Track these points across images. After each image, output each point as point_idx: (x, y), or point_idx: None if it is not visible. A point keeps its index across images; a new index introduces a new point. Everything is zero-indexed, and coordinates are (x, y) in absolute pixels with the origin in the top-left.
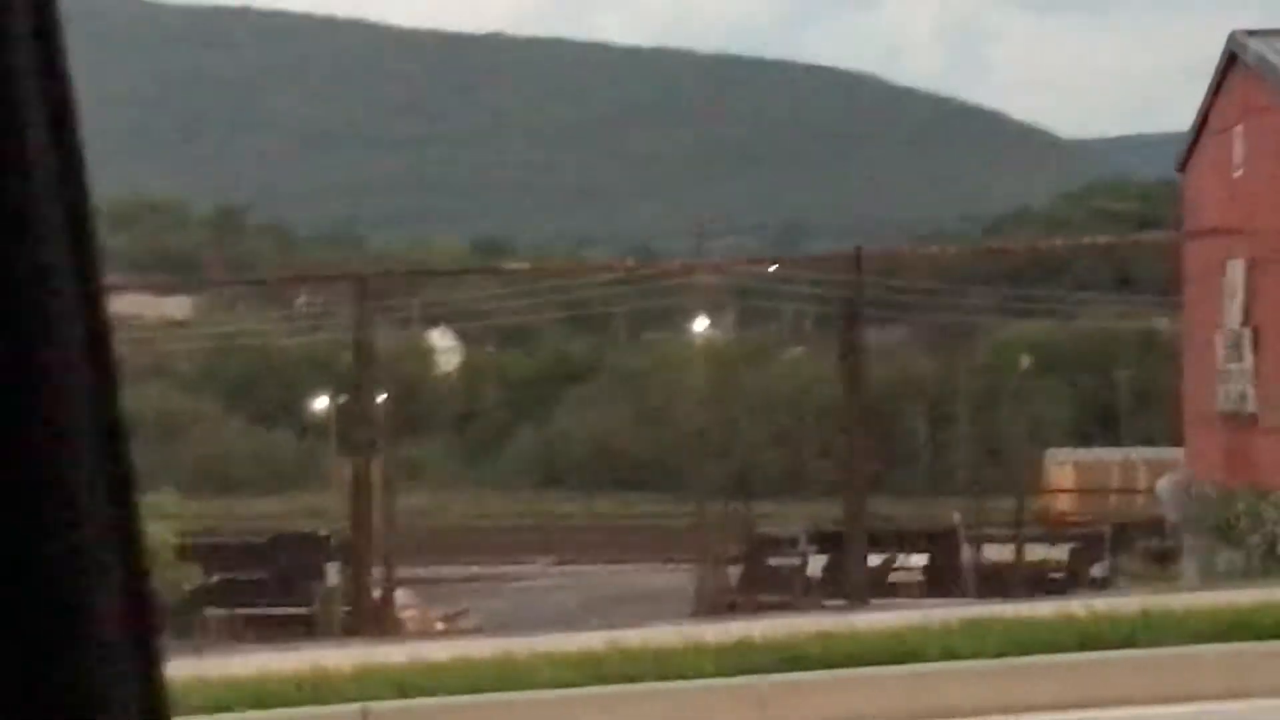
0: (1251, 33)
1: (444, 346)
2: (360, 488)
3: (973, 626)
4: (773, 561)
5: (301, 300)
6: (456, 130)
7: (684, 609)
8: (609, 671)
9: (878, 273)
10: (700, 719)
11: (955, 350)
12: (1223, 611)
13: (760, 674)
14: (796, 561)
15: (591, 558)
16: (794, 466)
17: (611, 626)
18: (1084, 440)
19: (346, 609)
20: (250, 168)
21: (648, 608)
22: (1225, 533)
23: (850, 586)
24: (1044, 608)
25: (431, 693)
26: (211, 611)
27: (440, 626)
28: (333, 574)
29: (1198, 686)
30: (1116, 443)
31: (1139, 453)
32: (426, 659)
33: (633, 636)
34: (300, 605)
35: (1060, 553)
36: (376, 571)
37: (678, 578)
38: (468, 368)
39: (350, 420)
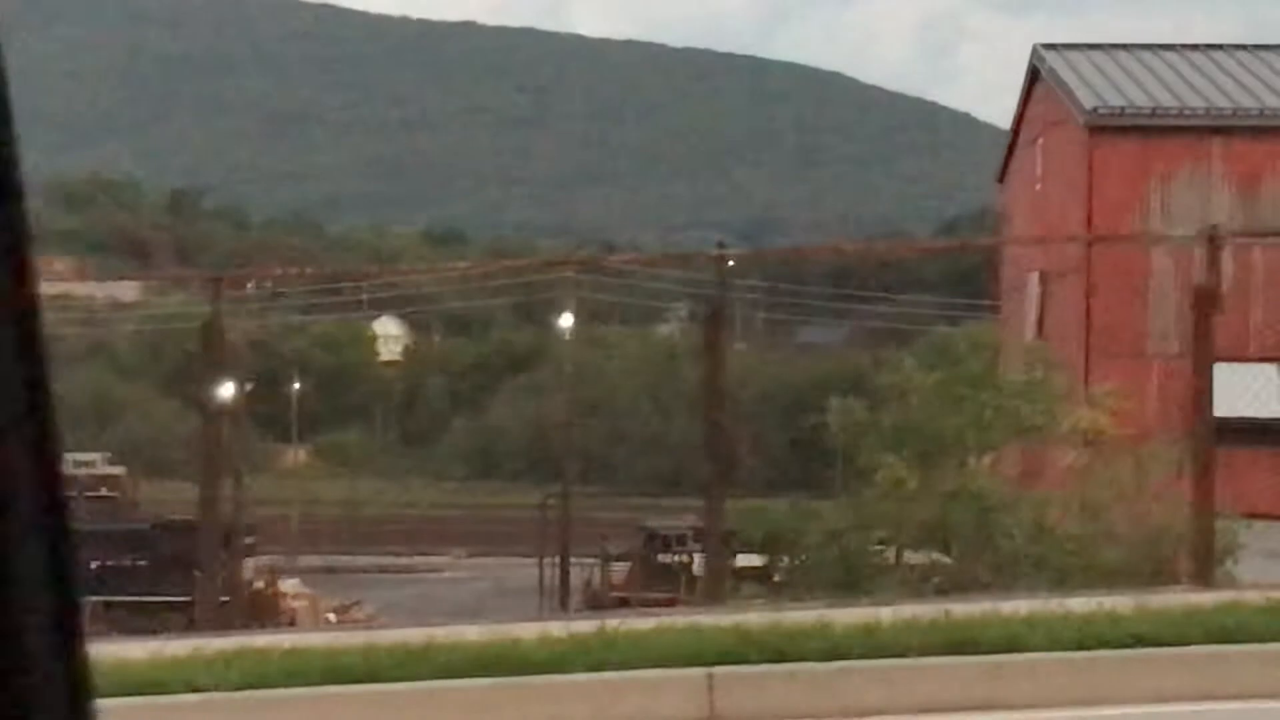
0: (1049, 46)
1: (390, 334)
2: (211, 468)
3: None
4: (662, 558)
5: (251, 285)
6: (423, 117)
7: (576, 604)
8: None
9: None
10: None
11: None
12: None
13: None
14: (684, 559)
15: (506, 550)
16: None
17: (496, 620)
18: None
19: (224, 599)
20: (213, 150)
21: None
22: None
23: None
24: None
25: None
26: (89, 599)
27: (331, 618)
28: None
29: None
30: None
31: None
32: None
33: (491, 631)
34: (180, 594)
35: None
36: (264, 560)
37: (585, 572)
38: (411, 355)
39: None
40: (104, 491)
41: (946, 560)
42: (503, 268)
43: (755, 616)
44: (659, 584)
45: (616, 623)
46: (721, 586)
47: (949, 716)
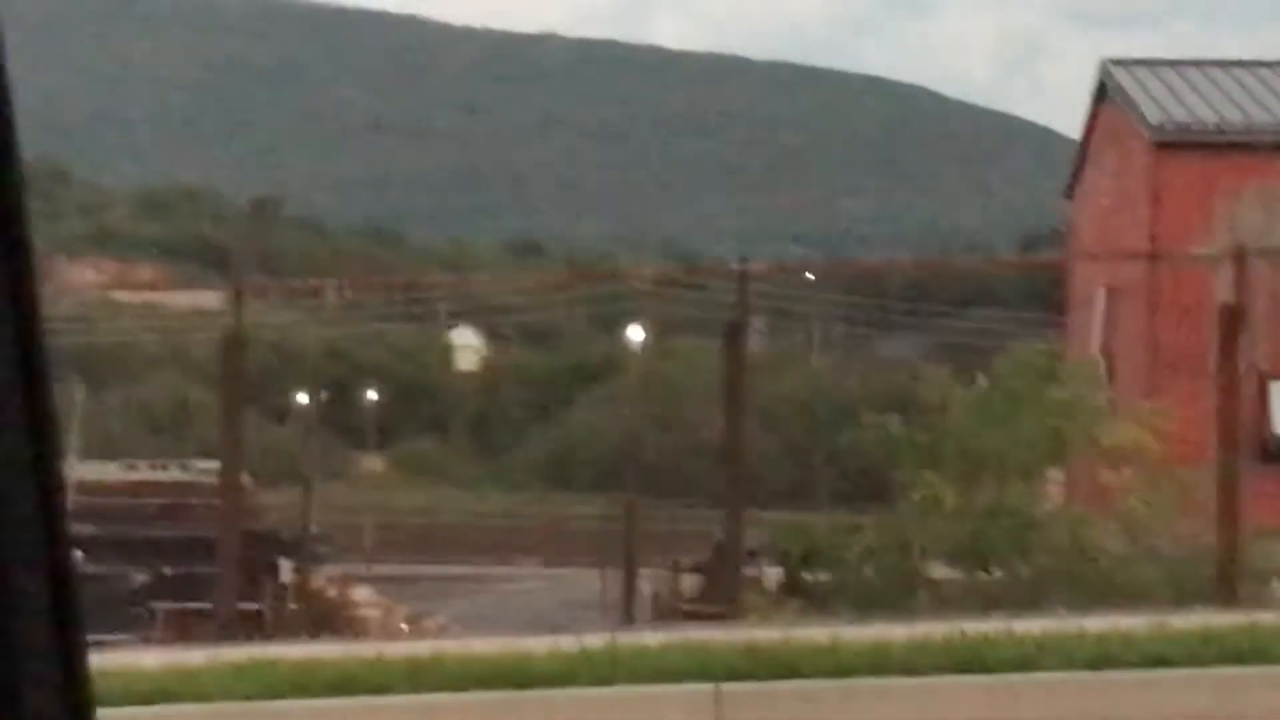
0: (1117, 61)
1: (467, 344)
2: (230, 470)
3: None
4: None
5: (330, 294)
6: (503, 128)
7: (646, 616)
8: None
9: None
10: None
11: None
12: None
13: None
14: (754, 573)
15: (581, 561)
16: (802, 476)
17: (562, 631)
18: None
19: (294, 606)
20: (294, 159)
21: (603, 614)
22: None
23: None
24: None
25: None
26: (161, 605)
27: (404, 627)
28: (285, 570)
29: None
30: None
31: None
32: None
33: (567, 642)
34: (250, 601)
35: None
36: (336, 569)
37: (655, 584)
38: (487, 366)
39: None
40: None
41: (984, 577)
42: (574, 279)
43: (765, 633)
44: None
45: (627, 638)
46: (739, 600)
47: None
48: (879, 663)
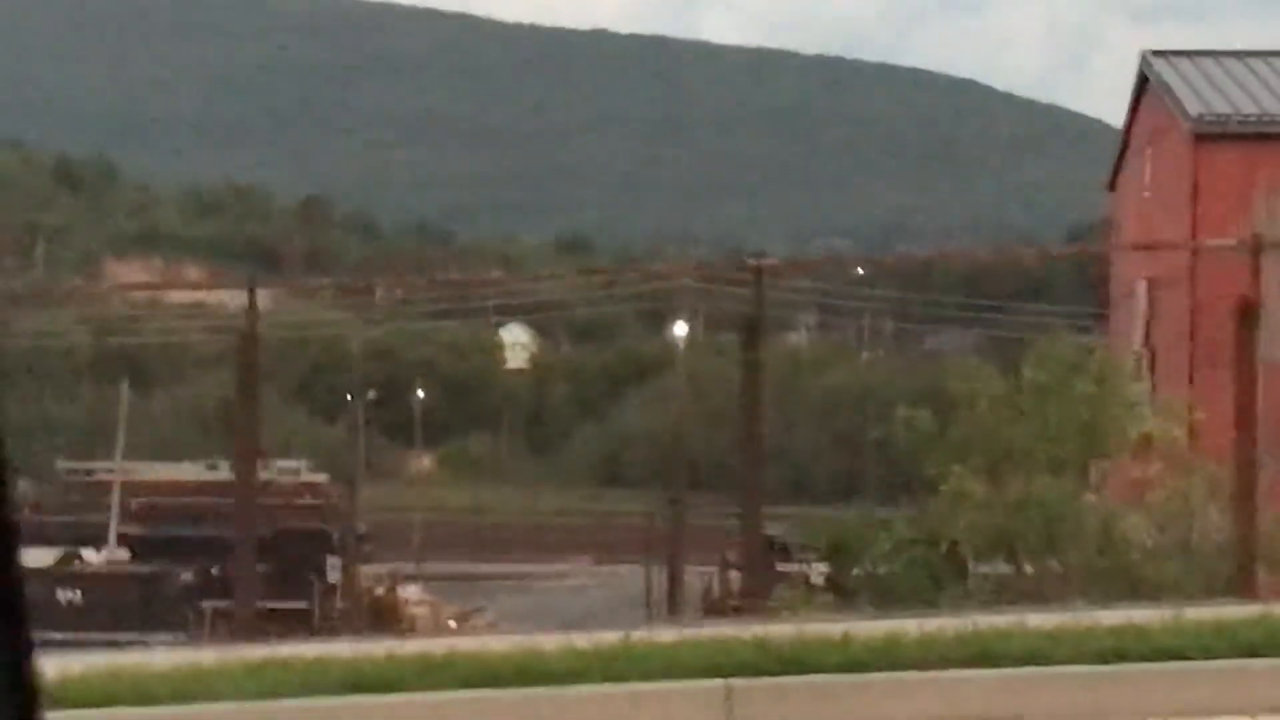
0: (1157, 53)
1: (517, 341)
2: (244, 466)
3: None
4: (780, 567)
5: (380, 293)
6: (553, 125)
7: (694, 612)
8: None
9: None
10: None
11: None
12: None
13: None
14: (804, 568)
15: (630, 558)
16: (850, 472)
17: (607, 628)
18: None
19: (341, 604)
20: (345, 158)
21: (649, 610)
22: None
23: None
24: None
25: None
26: (209, 604)
27: (452, 625)
28: (334, 569)
29: None
30: None
31: None
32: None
33: (580, 640)
34: (299, 600)
35: None
36: (384, 568)
37: (704, 581)
38: (537, 363)
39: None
40: (308, 499)
41: (1013, 571)
42: (619, 275)
43: (778, 628)
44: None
45: (640, 634)
46: (761, 595)
47: None
48: (891, 657)
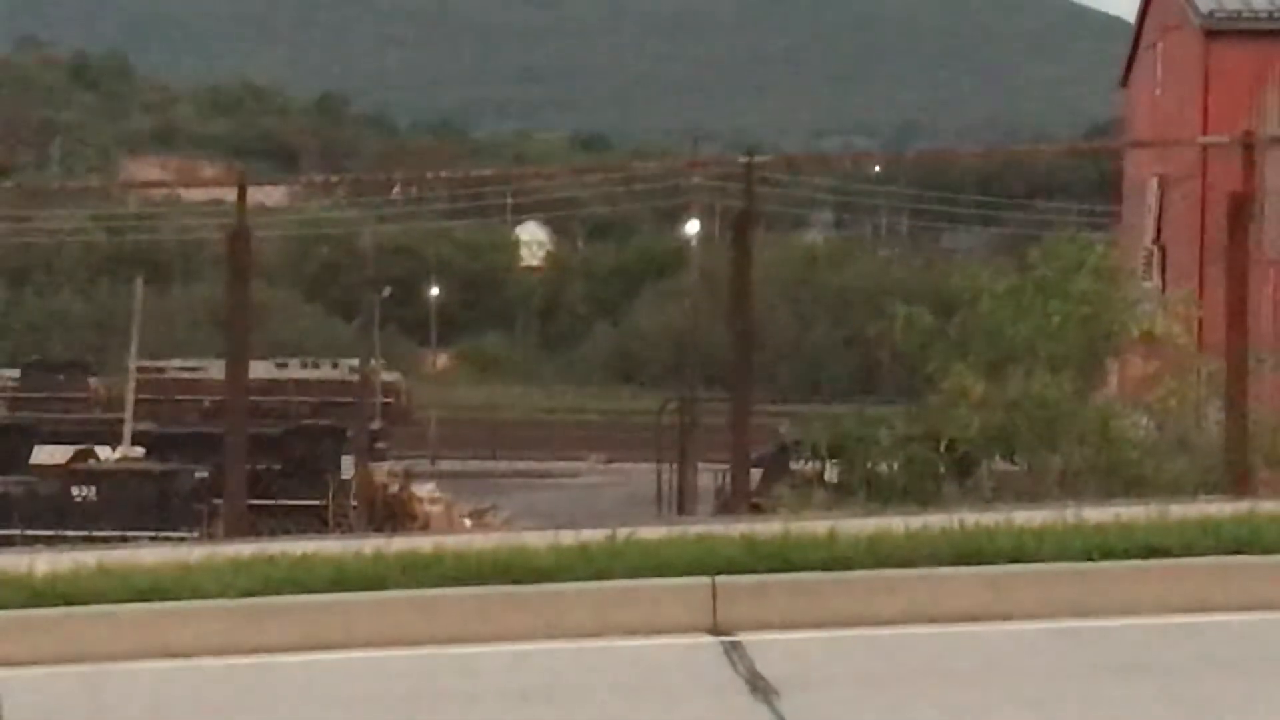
0: None
1: (534, 239)
2: (237, 363)
3: None
4: (795, 465)
5: (396, 190)
6: (570, 22)
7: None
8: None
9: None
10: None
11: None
12: None
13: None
14: (817, 466)
15: (644, 455)
16: (864, 370)
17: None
18: None
19: (355, 503)
20: (361, 56)
21: (680, 506)
22: None
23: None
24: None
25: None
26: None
27: (466, 522)
28: (348, 466)
29: None
30: None
31: None
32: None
33: (566, 537)
34: (314, 498)
35: None
36: (399, 465)
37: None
38: (553, 261)
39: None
40: (381, 398)
41: (1012, 468)
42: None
43: (765, 526)
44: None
45: (626, 531)
46: (745, 497)
47: (952, 626)
48: (876, 554)
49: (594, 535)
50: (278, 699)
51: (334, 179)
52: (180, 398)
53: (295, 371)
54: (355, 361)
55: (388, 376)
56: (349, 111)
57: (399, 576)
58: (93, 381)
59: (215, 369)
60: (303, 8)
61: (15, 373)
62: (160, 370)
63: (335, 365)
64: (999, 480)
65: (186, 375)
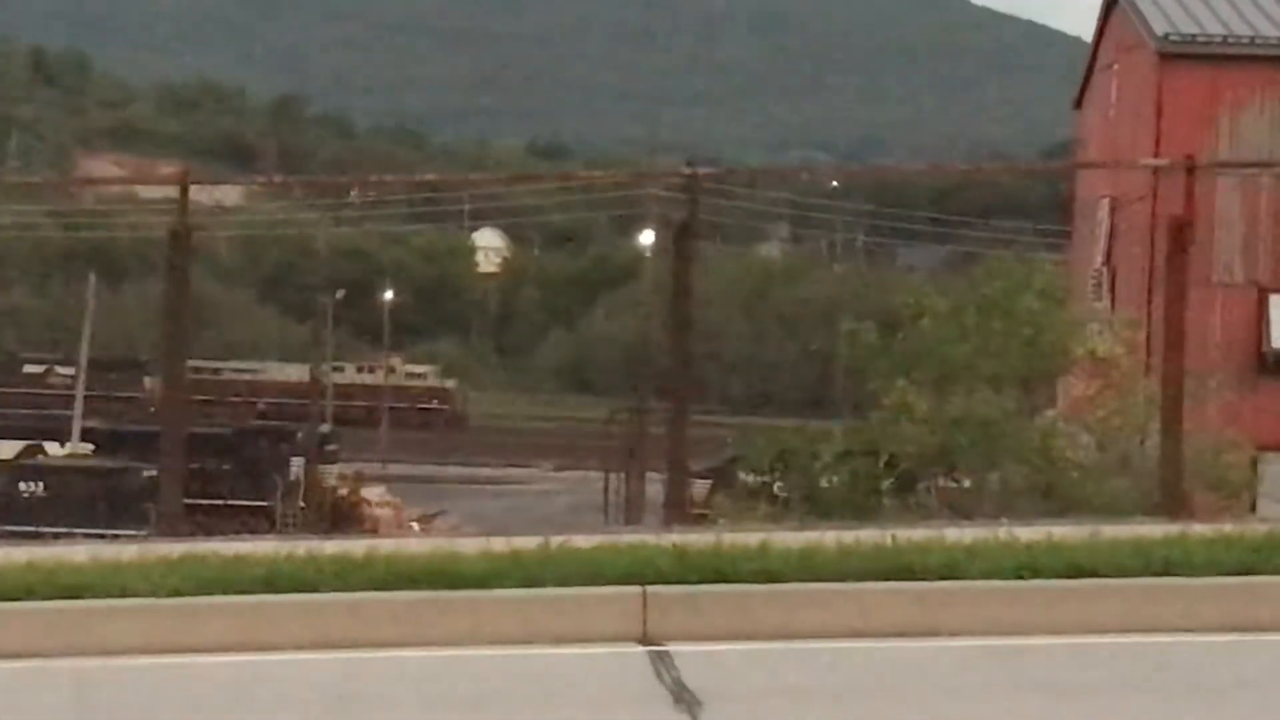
0: None
1: (490, 246)
2: (173, 368)
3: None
4: (744, 477)
5: (353, 194)
6: (532, 30)
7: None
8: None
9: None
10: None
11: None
12: None
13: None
14: (760, 479)
15: (595, 464)
16: (821, 384)
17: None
18: None
19: (303, 504)
20: (320, 58)
21: (627, 516)
22: None
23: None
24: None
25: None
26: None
27: (415, 526)
28: (296, 468)
29: None
30: None
31: None
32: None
33: (498, 543)
34: (261, 498)
35: None
36: (349, 468)
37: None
38: (509, 268)
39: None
40: (435, 403)
41: (952, 485)
42: (575, 179)
43: (697, 537)
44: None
45: (559, 540)
46: (681, 508)
47: (880, 641)
48: (807, 568)
49: (526, 542)
50: (199, 700)
51: (290, 180)
52: (236, 399)
53: (351, 376)
54: (419, 368)
55: (442, 382)
56: (308, 113)
57: (330, 579)
58: (147, 381)
59: (274, 369)
60: (264, 8)
61: (71, 370)
62: (217, 371)
63: (392, 371)
64: (940, 497)
65: (246, 376)
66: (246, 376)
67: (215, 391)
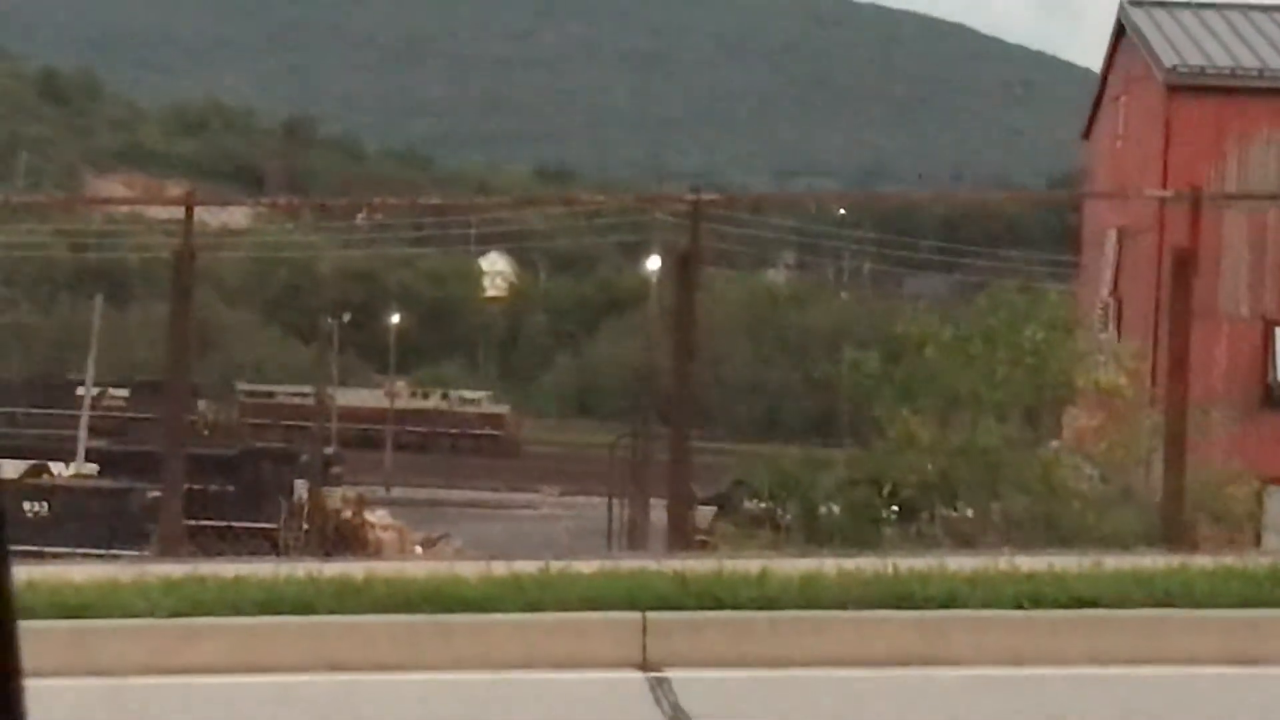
0: (1135, 3)
1: (496, 270)
2: (175, 391)
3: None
4: (749, 505)
5: (361, 216)
6: (540, 55)
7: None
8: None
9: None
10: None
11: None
12: None
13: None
14: (764, 505)
15: (600, 489)
16: (826, 411)
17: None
18: None
19: (306, 527)
20: (329, 81)
21: (631, 542)
22: None
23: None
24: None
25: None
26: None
27: (418, 550)
28: (300, 490)
29: None
30: None
31: None
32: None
33: (499, 568)
34: (266, 520)
35: None
36: (353, 491)
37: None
38: (516, 292)
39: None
40: (488, 430)
41: (954, 515)
42: (578, 203)
43: (697, 563)
44: (745, 529)
45: (560, 564)
46: (684, 534)
47: (879, 670)
48: (807, 595)
49: (526, 567)
50: None
51: (297, 202)
52: (288, 422)
53: (406, 401)
54: (473, 394)
55: (495, 408)
56: (316, 136)
57: (329, 601)
58: (200, 404)
59: (351, 395)
60: (274, 31)
61: (124, 392)
62: (270, 395)
63: (445, 396)
64: (943, 526)
65: (296, 400)
66: (296, 400)
67: (270, 415)
